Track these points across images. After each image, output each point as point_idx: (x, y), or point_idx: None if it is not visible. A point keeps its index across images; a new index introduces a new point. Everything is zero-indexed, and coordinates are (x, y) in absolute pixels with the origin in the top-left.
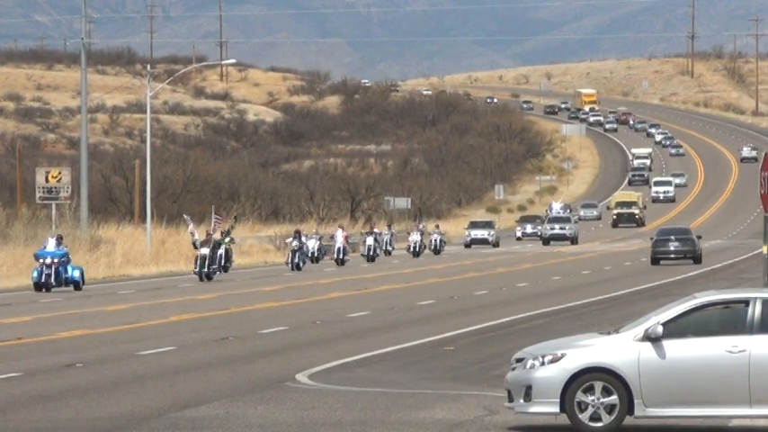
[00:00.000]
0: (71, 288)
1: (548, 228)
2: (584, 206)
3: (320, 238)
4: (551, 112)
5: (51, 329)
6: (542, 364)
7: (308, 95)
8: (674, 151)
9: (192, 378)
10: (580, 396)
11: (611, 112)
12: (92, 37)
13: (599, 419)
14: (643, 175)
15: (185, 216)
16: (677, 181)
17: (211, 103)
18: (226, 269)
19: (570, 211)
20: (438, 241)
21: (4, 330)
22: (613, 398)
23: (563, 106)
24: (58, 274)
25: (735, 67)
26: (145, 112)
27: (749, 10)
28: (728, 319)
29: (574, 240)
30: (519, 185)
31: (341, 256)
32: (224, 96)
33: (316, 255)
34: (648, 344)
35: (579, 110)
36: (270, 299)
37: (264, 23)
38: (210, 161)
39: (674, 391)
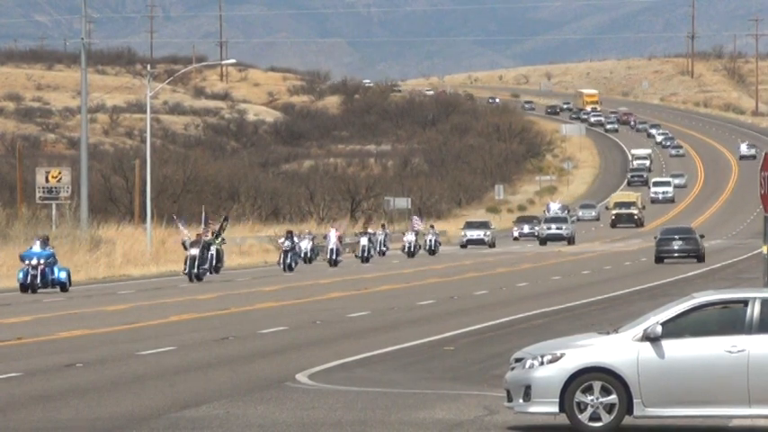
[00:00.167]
0: (57, 289)
1: (544, 228)
2: (583, 206)
3: (313, 239)
4: (553, 112)
5: (51, 329)
6: (541, 363)
7: (308, 95)
8: (674, 152)
9: (191, 378)
10: (579, 396)
11: (612, 113)
12: (92, 37)
13: (598, 419)
14: (642, 176)
15: (175, 217)
16: (676, 182)
17: (211, 103)
18: (217, 270)
19: (568, 211)
20: (433, 242)
21: (4, 330)
22: (612, 397)
23: (565, 106)
24: (44, 275)
25: (735, 67)
26: (145, 112)
27: (749, 10)
28: (727, 319)
29: (571, 240)
30: (519, 185)
31: (333, 257)
32: (224, 96)
33: (309, 255)
34: (647, 344)
35: (581, 110)
36: (270, 299)
37: (264, 23)
38: (210, 161)
39: (673, 390)
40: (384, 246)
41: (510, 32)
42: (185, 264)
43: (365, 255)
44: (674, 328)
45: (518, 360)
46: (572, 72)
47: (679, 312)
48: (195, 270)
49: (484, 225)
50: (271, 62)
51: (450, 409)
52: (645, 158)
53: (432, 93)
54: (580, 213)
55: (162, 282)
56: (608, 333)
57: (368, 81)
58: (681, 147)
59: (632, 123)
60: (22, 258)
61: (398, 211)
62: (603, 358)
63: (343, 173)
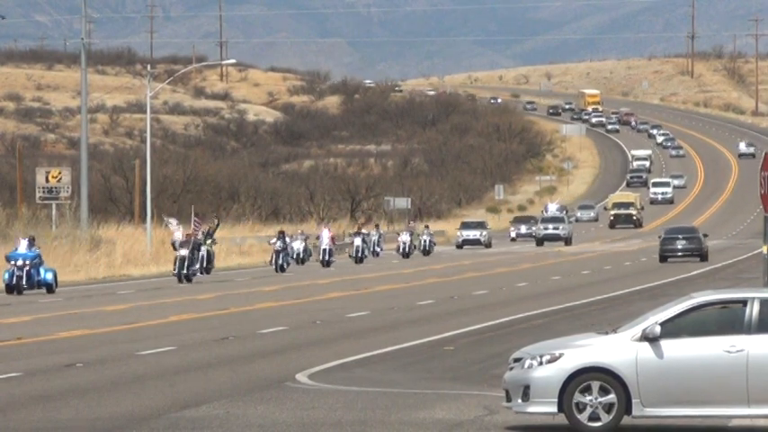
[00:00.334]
0: (44, 291)
1: (541, 228)
2: (582, 207)
3: (306, 239)
4: (555, 113)
5: (51, 329)
6: (540, 363)
7: (308, 95)
8: (674, 152)
9: (191, 378)
10: (578, 397)
11: (613, 113)
12: (92, 37)
13: (598, 419)
14: (641, 177)
15: (165, 217)
16: (676, 182)
17: (211, 103)
18: (208, 271)
19: (566, 212)
20: (428, 242)
21: (4, 330)
22: (611, 396)
23: (567, 107)
24: (29, 276)
25: (735, 67)
26: (145, 112)
27: (749, 10)
28: (726, 319)
29: (568, 241)
30: (519, 185)
31: (326, 258)
32: (224, 96)
33: (301, 256)
34: (646, 344)
35: (582, 110)
36: (269, 299)
37: (264, 23)
38: (210, 161)
39: (671, 390)
40: (378, 246)
41: (510, 32)
42: (175, 264)
43: (359, 255)
44: (673, 328)
45: (517, 360)
46: (572, 72)
47: (678, 312)
48: (185, 271)
49: (480, 225)
50: (271, 62)
51: (450, 409)
52: (645, 159)
53: (433, 93)
54: (578, 214)
55: (162, 282)
56: (607, 333)
57: (369, 81)
58: (681, 148)
59: (633, 124)
60: (8, 259)
61: (398, 211)
62: (602, 358)
63: (343, 173)
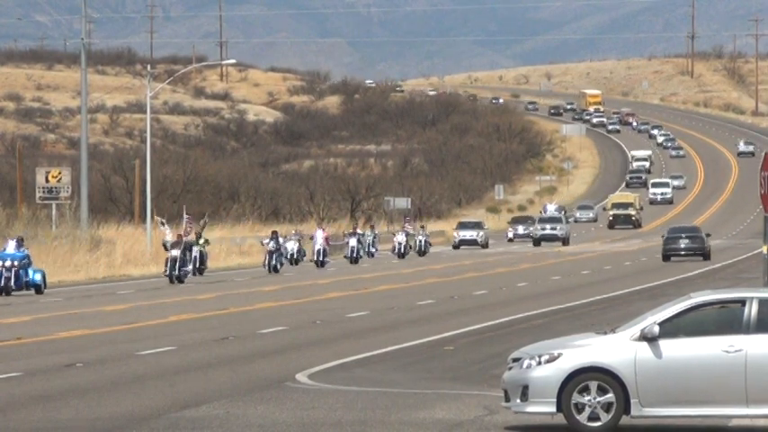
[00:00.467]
0: (32, 292)
1: (538, 228)
2: (580, 208)
3: (300, 239)
4: (556, 113)
5: (51, 329)
6: (539, 363)
7: (308, 95)
8: (674, 153)
9: (191, 378)
10: (577, 397)
11: (614, 113)
12: (92, 37)
13: (597, 419)
14: (641, 178)
15: (156, 218)
16: (675, 183)
17: (211, 103)
18: (201, 272)
19: (565, 212)
20: (423, 242)
21: (4, 330)
22: (609, 395)
23: (568, 107)
24: (18, 277)
25: (735, 67)
26: (145, 112)
27: (749, 10)
28: (725, 319)
29: (565, 241)
30: (519, 185)
31: (320, 258)
32: (224, 96)
33: (295, 257)
34: (645, 344)
35: (583, 111)
36: (269, 299)
37: (264, 23)
38: (210, 161)
39: (670, 390)
40: (373, 247)
41: (510, 32)
42: (166, 265)
43: (354, 256)
44: (672, 328)
45: (515, 360)
46: (572, 72)
47: (676, 312)
48: (176, 272)
49: (477, 225)
50: (271, 62)
51: (450, 409)
52: (644, 160)
53: (434, 93)
54: (577, 215)
55: (161, 282)
56: (605, 333)
57: (370, 81)
58: (681, 148)
59: (634, 124)
60: None
61: (398, 211)
62: (601, 358)
63: (343, 173)
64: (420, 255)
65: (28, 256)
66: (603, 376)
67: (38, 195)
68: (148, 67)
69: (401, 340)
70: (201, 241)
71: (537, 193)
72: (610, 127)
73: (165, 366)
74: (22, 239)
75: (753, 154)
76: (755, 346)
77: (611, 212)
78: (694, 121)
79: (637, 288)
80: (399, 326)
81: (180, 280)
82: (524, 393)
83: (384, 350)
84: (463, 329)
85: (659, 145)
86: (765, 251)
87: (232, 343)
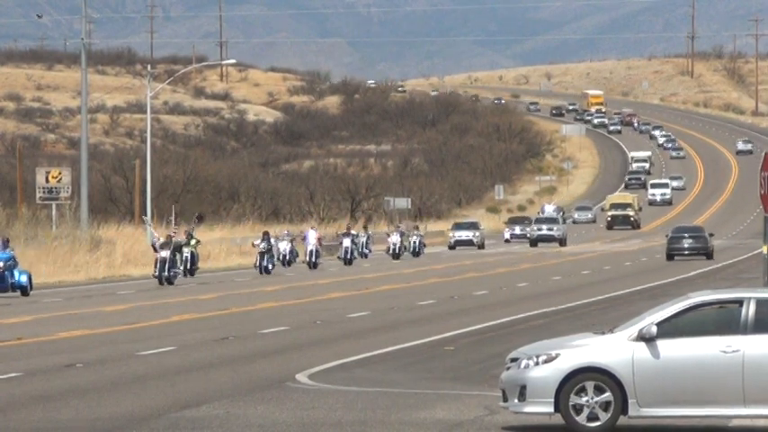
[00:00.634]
0: (18, 294)
1: (535, 229)
2: (579, 209)
3: (292, 240)
4: (558, 113)
5: (51, 329)
6: (537, 363)
7: (308, 95)
8: (674, 154)
9: (192, 378)
10: (574, 399)
11: (615, 113)
12: (92, 37)
13: (595, 419)
14: (640, 179)
15: (144, 217)
16: (675, 184)
17: (211, 104)
18: (192, 272)
19: (563, 213)
20: (417, 243)
21: (4, 330)
22: (607, 394)
23: (570, 108)
24: (3, 278)
25: (735, 67)
26: (145, 112)
27: (749, 10)
28: (722, 319)
29: (562, 242)
30: (519, 185)
31: (313, 259)
32: (224, 96)
33: (287, 258)
34: (643, 344)
35: (585, 111)
36: (270, 299)
37: (264, 23)
38: (210, 161)
39: (668, 390)
40: (366, 248)
41: (510, 32)
42: (155, 266)
43: (348, 257)
44: (670, 328)
45: (513, 360)
46: (572, 72)
47: (674, 312)
48: (165, 273)
49: (473, 226)
50: (271, 62)
51: (450, 409)
52: (644, 161)
53: (436, 93)
54: (575, 215)
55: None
56: (603, 333)
57: (371, 81)
58: (681, 149)
59: (635, 125)
60: None
61: (398, 211)
62: (598, 358)
63: (343, 173)
64: (414, 255)
65: (14, 258)
66: (601, 376)
67: (38, 195)
68: (148, 67)
69: (402, 340)
70: (193, 242)
71: (537, 193)
72: (611, 128)
73: (166, 366)
74: (8, 240)
75: (751, 152)
76: (753, 346)
77: (609, 213)
78: (694, 121)
79: (637, 288)
80: (400, 326)
81: (169, 281)
82: (522, 393)
83: (384, 350)
84: (464, 329)
85: (660, 146)
86: (765, 251)
87: (233, 343)
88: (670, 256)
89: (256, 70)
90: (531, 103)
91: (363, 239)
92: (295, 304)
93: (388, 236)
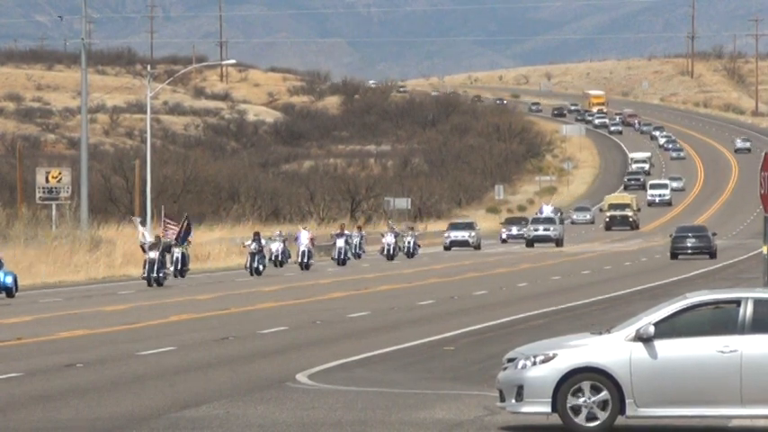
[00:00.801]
0: (3, 295)
1: (531, 229)
2: (578, 209)
3: (284, 240)
4: (559, 114)
5: (51, 329)
6: (534, 363)
7: (308, 96)
8: (674, 155)
9: (192, 378)
10: (572, 400)
11: (616, 114)
12: (92, 37)
13: (594, 419)
14: (639, 180)
15: (133, 218)
16: (674, 185)
17: (211, 104)
18: (183, 273)
19: (560, 213)
20: (412, 244)
21: (4, 330)
22: (604, 393)
23: (572, 108)
24: None
25: (735, 67)
26: (145, 112)
27: (749, 10)
28: (720, 319)
29: (559, 242)
30: (519, 185)
31: (305, 260)
32: (224, 97)
33: (279, 258)
34: (640, 344)
35: (586, 111)
36: (270, 299)
37: (264, 23)
38: (210, 161)
39: (665, 390)
40: (360, 249)
41: (510, 32)
42: (144, 267)
43: (341, 257)
44: (667, 329)
45: (510, 360)
46: (572, 72)
47: (672, 312)
48: (155, 274)
49: (468, 226)
50: (271, 62)
51: (450, 409)
52: (644, 162)
53: (437, 93)
54: (574, 216)
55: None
56: (601, 333)
57: (372, 82)
58: (682, 150)
59: (636, 125)
60: None
61: (398, 211)
62: (596, 358)
63: (343, 173)
64: (409, 256)
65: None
66: (598, 376)
67: (38, 195)
68: (148, 67)
69: (402, 340)
70: (184, 243)
71: (537, 193)
72: (612, 128)
73: (166, 366)
74: None
75: (749, 150)
76: (750, 346)
77: (607, 213)
78: (694, 121)
79: (638, 288)
80: (400, 326)
81: (159, 282)
82: (519, 393)
83: (385, 350)
84: (464, 329)
85: (660, 146)
86: (765, 251)
87: (232, 343)
88: (674, 255)
89: (256, 70)
90: (533, 104)
91: (357, 240)
92: (294, 304)
93: (383, 236)
